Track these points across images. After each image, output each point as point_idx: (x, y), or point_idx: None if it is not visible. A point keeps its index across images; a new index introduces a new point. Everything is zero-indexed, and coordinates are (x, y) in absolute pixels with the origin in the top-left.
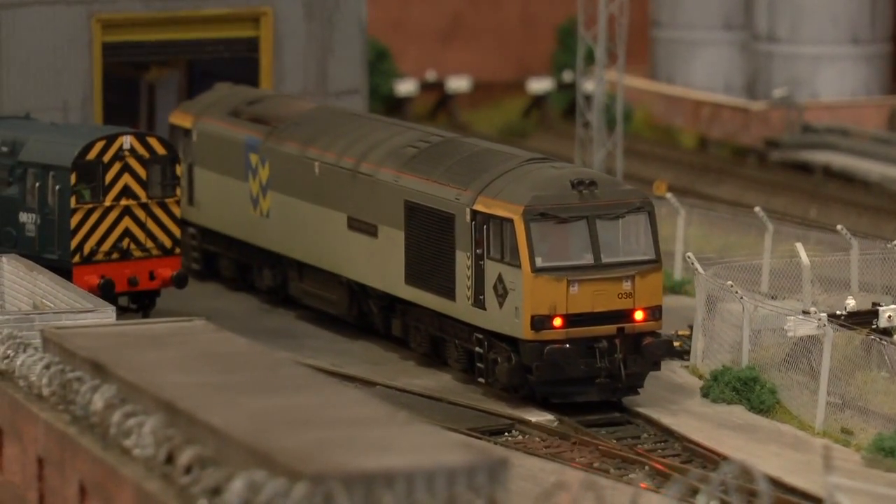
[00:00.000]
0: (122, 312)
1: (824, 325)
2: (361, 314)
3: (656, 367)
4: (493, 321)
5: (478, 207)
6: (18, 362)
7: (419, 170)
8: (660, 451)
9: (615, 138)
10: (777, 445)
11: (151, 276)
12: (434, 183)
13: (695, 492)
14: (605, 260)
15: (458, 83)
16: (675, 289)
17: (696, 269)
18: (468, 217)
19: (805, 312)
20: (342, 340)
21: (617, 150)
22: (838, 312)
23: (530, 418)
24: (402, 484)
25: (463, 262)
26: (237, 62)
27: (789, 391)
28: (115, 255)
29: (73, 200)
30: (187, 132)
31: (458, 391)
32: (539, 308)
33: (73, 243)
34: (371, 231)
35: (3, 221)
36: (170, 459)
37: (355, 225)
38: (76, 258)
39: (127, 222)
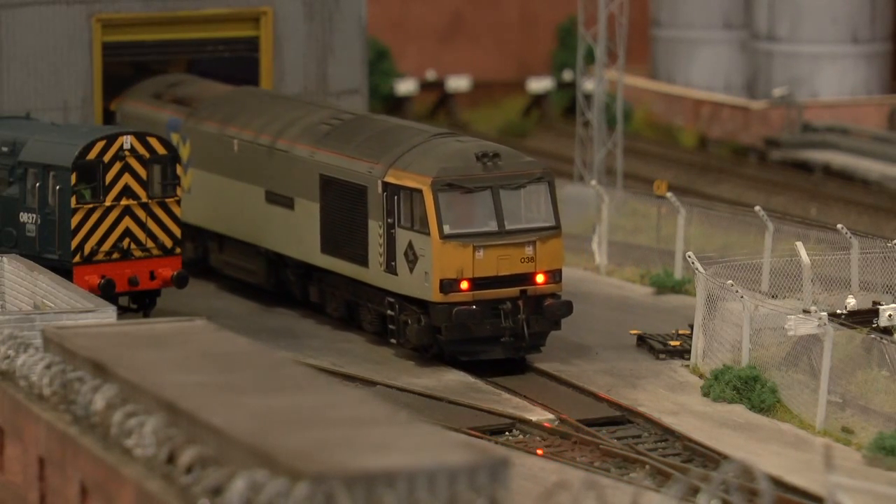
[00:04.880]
0: (123, 312)
1: (825, 324)
2: (279, 283)
3: (557, 326)
4: (404, 285)
5: (389, 179)
6: (19, 362)
7: (333, 145)
8: (660, 450)
9: (615, 137)
10: (778, 444)
11: (152, 276)
12: (347, 157)
13: (696, 491)
14: (508, 227)
15: (458, 82)
16: (676, 288)
17: (697, 269)
18: (380, 189)
19: (805, 311)
20: (343, 340)
21: (617, 150)
22: (839, 311)
23: (531, 417)
24: (404, 484)
25: (375, 230)
26: (237, 62)
27: (790, 390)
28: (115, 255)
29: (73, 200)
30: (111, 114)
31: (459, 391)
32: (447, 272)
33: (74, 243)
34: (288, 204)
35: (3, 221)
36: (171, 459)
37: (273, 198)
38: (77, 258)
39: (127, 222)
